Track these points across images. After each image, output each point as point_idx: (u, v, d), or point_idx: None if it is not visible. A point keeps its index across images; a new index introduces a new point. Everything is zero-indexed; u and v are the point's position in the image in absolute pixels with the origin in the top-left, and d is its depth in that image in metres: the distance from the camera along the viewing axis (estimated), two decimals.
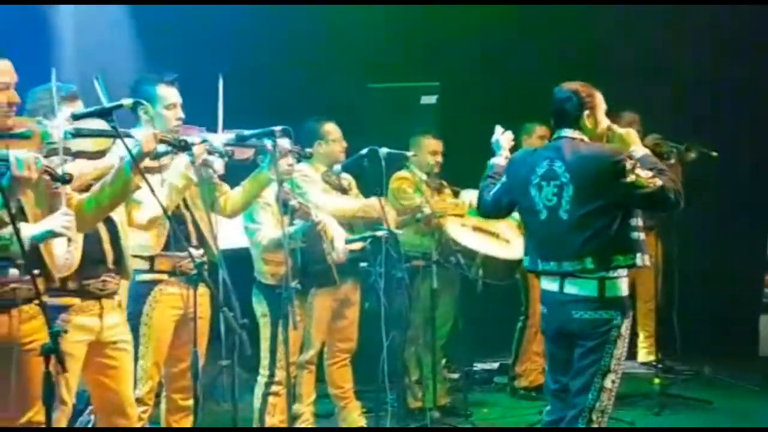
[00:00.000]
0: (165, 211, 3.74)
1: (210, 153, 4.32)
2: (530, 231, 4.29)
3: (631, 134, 4.23)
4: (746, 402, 6.39)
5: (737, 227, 7.71)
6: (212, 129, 4.47)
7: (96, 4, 6.66)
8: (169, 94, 4.48)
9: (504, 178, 4.37)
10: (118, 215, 3.97)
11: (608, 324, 4.01)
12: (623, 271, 4.08)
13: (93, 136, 3.61)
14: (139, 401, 4.28)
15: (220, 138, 4.39)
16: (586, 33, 7.54)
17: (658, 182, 3.99)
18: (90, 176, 3.80)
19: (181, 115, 4.49)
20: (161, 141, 3.77)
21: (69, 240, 3.65)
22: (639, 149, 4.17)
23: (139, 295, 4.42)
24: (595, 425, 4.01)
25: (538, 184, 4.12)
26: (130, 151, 3.53)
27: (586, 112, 4.13)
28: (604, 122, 4.22)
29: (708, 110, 7.54)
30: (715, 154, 6.60)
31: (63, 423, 3.79)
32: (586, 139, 4.15)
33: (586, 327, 4.02)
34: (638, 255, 4.04)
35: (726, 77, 7.44)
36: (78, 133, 3.54)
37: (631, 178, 3.97)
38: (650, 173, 4.01)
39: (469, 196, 6.33)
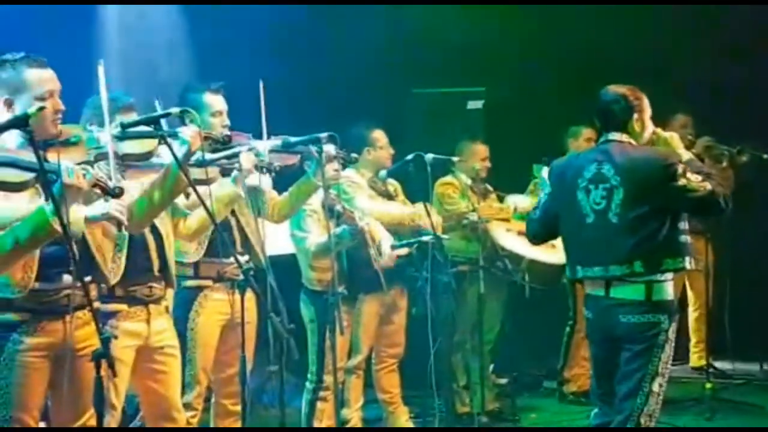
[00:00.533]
0: (213, 220, 3.78)
1: (257, 167, 4.34)
2: (572, 237, 4.22)
3: (675, 138, 4.23)
4: None
5: None
6: (257, 136, 4.51)
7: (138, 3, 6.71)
8: (214, 101, 4.53)
9: (548, 189, 4.35)
10: (164, 226, 4.02)
11: (656, 327, 3.99)
12: (670, 275, 4.06)
13: (138, 138, 3.66)
14: (188, 406, 4.33)
15: (266, 144, 4.42)
16: (627, 33, 7.49)
17: (708, 186, 3.98)
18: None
19: (227, 122, 4.54)
20: (206, 138, 3.81)
21: (117, 248, 3.72)
22: (684, 153, 4.18)
23: (185, 301, 4.46)
24: (643, 428, 3.98)
25: (586, 188, 4.09)
26: (174, 153, 3.57)
27: (635, 116, 4.12)
28: (651, 126, 4.21)
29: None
30: (766, 156, 6.52)
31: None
32: (634, 142, 4.14)
33: (633, 331, 3.99)
34: (687, 258, 4.04)
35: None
36: (124, 136, 3.60)
37: (682, 181, 3.96)
38: (700, 177, 4.00)
39: (514, 200, 6.34)
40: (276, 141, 4.54)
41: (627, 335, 4.02)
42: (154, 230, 3.97)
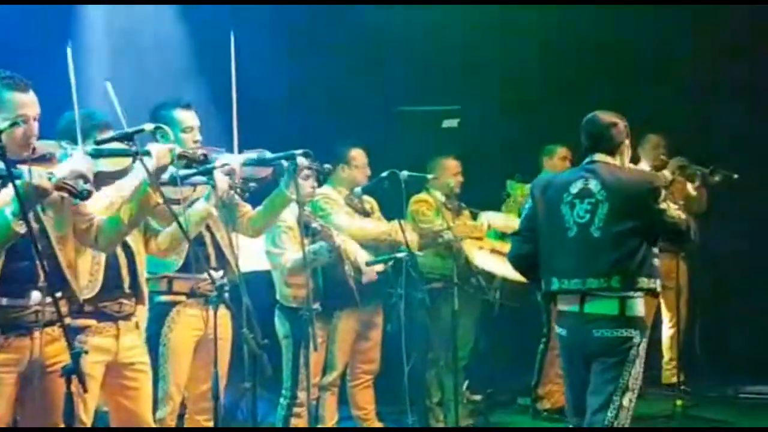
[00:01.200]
0: (187, 237, 3.80)
1: (231, 187, 4.36)
2: (552, 250, 4.27)
3: None
4: None
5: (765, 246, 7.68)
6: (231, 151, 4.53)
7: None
8: (185, 117, 4.54)
9: (529, 204, 4.45)
10: (136, 244, 4.04)
11: (628, 342, 4.09)
12: (641, 293, 4.15)
13: (111, 156, 3.68)
14: (161, 422, 4.34)
15: (240, 158, 4.44)
16: (607, 57, 7.56)
17: (683, 216, 4.22)
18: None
19: (199, 137, 4.55)
20: (180, 156, 3.83)
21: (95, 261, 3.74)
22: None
23: (159, 316, 4.48)
24: None
25: (571, 202, 4.20)
26: (146, 169, 3.60)
27: (627, 142, 4.33)
28: (628, 153, 4.41)
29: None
30: (735, 176, 6.61)
31: None
32: (619, 164, 4.31)
33: (606, 345, 4.09)
34: (657, 281, 4.18)
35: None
36: (97, 154, 3.62)
37: (663, 205, 4.13)
38: (676, 206, 4.25)
39: (488, 217, 6.38)
40: (251, 154, 4.56)
41: (600, 349, 4.11)
42: (126, 247, 3.98)
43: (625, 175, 4.24)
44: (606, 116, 4.32)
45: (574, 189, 4.21)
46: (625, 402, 4.08)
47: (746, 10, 7.30)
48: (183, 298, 4.51)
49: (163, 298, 4.50)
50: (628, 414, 4.09)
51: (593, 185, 4.17)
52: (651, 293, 4.20)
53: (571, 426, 4.34)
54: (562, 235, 4.19)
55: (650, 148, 6.81)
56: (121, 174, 3.76)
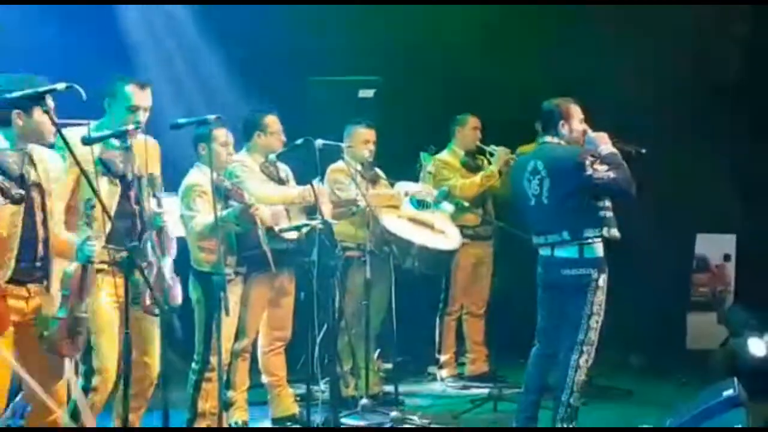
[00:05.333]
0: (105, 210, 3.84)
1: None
2: (525, 216, 5.38)
3: (602, 137, 5.20)
4: (670, 392, 6.57)
5: (667, 226, 7.91)
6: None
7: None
8: (136, 94, 4.52)
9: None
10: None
11: (587, 278, 5.12)
12: (597, 238, 5.13)
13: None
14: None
15: None
16: (531, 27, 7.68)
17: (612, 175, 5.06)
18: None
19: (140, 118, 4.52)
20: None
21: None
22: (606, 148, 5.15)
23: None
24: (585, 355, 5.09)
25: (528, 179, 5.26)
26: (65, 140, 3.60)
27: (561, 122, 5.25)
28: (579, 128, 5.26)
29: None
30: (643, 150, 6.73)
31: None
32: (562, 142, 5.25)
33: (570, 280, 5.14)
34: (605, 229, 5.13)
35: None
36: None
37: (589, 171, 5.05)
38: (606, 167, 5.07)
39: (405, 187, 6.45)
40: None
41: (566, 284, 5.17)
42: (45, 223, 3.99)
43: (559, 154, 5.21)
44: (549, 102, 5.31)
45: (529, 168, 5.26)
46: (593, 323, 5.10)
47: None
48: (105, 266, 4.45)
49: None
50: (596, 333, 5.11)
51: (539, 165, 5.21)
52: (602, 239, 5.11)
53: (536, 345, 5.33)
54: (527, 204, 5.29)
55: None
56: None
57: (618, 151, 5.16)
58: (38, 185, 3.95)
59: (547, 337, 5.31)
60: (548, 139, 5.30)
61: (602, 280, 5.13)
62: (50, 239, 3.98)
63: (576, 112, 5.28)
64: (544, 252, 5.29)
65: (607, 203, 5.17)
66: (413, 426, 5.76)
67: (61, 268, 4.03)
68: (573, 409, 5.14)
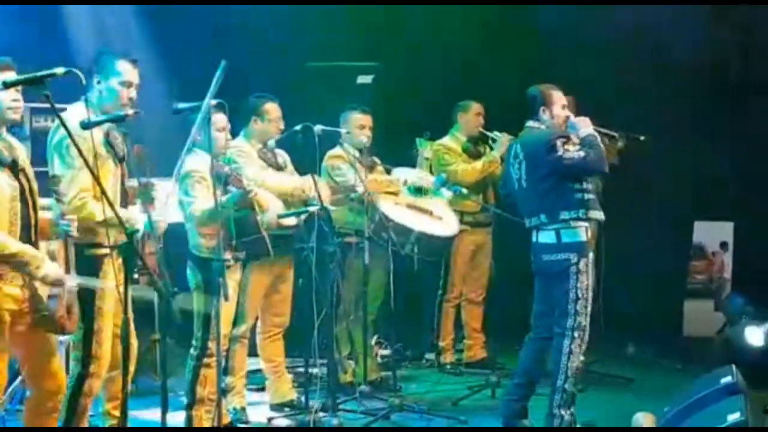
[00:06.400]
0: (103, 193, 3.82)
1: None
2: (515, 199, 5.45)
3: (584, 120, 5.30)
4: (667, 379, 6.59)
5: (665, 214, 7.93)
6: None
7: None
8: (127, 70, 4.48)
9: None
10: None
11: (567, 263, 5.14)
12: (579, 222, 5.15)
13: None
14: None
15: None
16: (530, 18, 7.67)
17: (581, 154, 5.11)
18: None
19: (134, 94, 4.49)
20: None
21: None
22: (585, 131, 5.24)
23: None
24: (578, 340, 5.12)
25: (512, 163, 5.38)
26: (65, 126, 3.59)
27: (543, 107, 5.32)
28: (562, 114, 5.32)
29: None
30: (643, 138, 6.73)
31: None
32: (543, 127, 5.31)
33: (551, 267, 5.20)
34: (582, 210, 5.15)
35: None
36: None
37: (559, 152, 5.10)
38: (577, 148, 5.13)
39: (403, 174, 6.44)
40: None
41: (548, 270, 5.22)
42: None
43: (533, 137, 5.31)
44: (532, 88, 5.36)
45: (513, 153, 5.38)
46: (579, 308, 5.13)
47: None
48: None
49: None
50: (585, 317, 5.14)
51: (519, 149, 5.33)
52: (579, 220, 5.14)
53: (531, 333, 5.40)
54: (514, 187, 5.38)
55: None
56: None
57: (597, 135, 5.24)
58: (24, 171, 3.97)
59: (539, 321, 5.38)
60: (530, 124, 5.37)
61: (583, 264, 5.14)
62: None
63: (558, 98, 5.34)
64: (532, 237, 5.35)
65: (586, 185, 5.21)
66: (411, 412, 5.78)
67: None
68: (569, 394, 5.15)
